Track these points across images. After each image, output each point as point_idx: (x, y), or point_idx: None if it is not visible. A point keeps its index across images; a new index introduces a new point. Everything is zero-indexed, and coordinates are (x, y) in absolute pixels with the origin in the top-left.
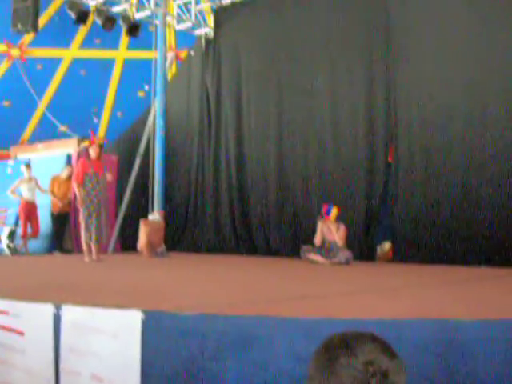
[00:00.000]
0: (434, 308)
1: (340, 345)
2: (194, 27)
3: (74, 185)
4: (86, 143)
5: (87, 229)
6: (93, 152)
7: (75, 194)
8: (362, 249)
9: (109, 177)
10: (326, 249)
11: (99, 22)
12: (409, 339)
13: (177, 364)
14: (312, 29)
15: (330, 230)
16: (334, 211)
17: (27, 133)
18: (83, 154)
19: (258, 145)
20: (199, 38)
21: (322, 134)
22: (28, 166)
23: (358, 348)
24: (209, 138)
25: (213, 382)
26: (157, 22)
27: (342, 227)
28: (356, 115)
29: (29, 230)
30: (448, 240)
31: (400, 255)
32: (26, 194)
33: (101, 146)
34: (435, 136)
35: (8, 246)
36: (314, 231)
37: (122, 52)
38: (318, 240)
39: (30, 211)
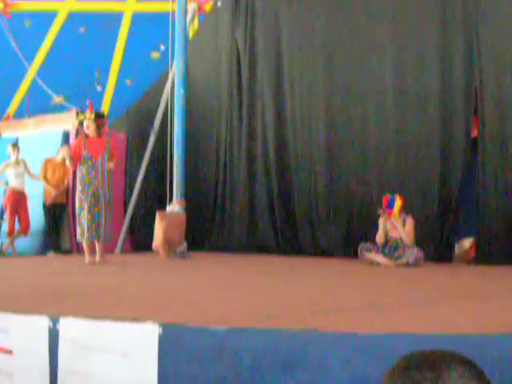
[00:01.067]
0: None
1: (422, 368)
2: None
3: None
4: (82, 117)
5: (79, 224)
6: (86, 128)
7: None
8: (435, 247)
9: (111, 165)
10: (390, 247)
11: None
12: (494, 358)
13: None
14: None
15: (395, 225)
16: (398, 203)
17: (14, 105)
18: (81, 131)
19: (303, 118)
20: None
21: (383, 103)
22: (15, 146)
23: (445, 373)
24: (240, 109)
25: None
26: None
27: (410, 221)
28: (427, 77)
29: (17, 225)
30: None
31: (485, 255)
32: (13, 180)
33: (98, 121)
34: None
35: None
36: (373, 226)
37: (132, 4)
38: (380, 238)
39: (17, 202)
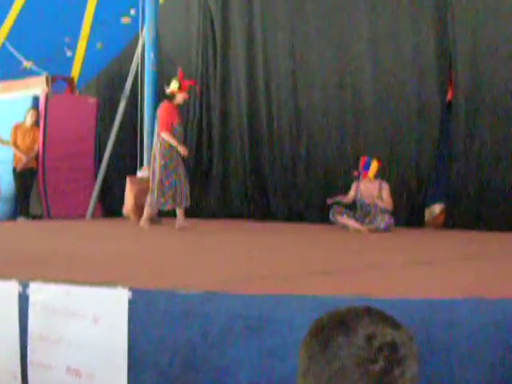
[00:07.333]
0: (495, 285)
1: (332, 324)
2: None
3: (165, 134)
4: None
5: (162, 193)
6: (181, 99)
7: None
8: (406, 212)
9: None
10: (362, 212)
11: None
12: (463, 323)
13: (172, 353)
14: None
15: (369, 189)
16: (374, 166)
17: None
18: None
19: (276, 82)
20: None
21: (358, 68)
22: None
23: (355, 323)
24: (214, 74)
25: (217, 374)
26: None
27: (386, 186)
28: (401, 41)
29: None
30: None
31: (455, 220)
32: None
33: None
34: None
35: None
36: (347, 191)
37: None
38: (347, 198)
39: None
